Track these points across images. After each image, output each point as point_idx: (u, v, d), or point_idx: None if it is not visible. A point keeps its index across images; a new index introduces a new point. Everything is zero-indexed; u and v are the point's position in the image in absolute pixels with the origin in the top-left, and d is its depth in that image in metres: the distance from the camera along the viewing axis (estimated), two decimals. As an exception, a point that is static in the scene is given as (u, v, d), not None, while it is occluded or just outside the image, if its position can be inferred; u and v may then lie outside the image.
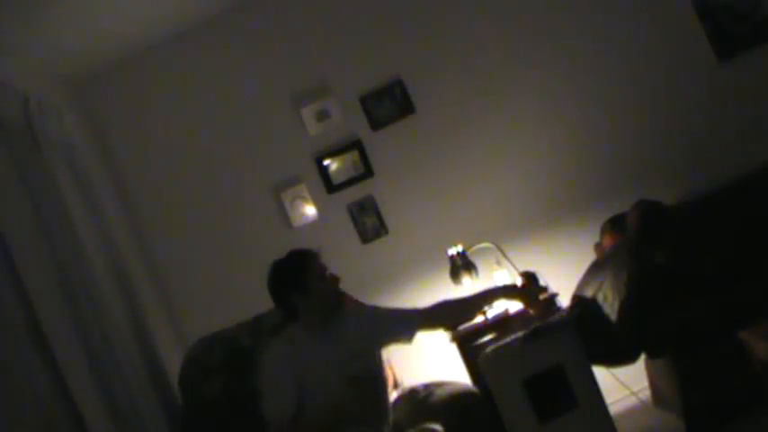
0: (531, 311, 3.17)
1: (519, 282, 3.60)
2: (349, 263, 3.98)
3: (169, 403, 3.37)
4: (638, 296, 3.05)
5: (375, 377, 2.88)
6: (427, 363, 3.84)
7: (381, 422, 2.87)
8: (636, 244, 3.26)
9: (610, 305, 3.11)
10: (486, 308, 3.37)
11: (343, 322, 2.92)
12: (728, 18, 3.93)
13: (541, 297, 3.35)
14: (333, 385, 2.76)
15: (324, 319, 2.89)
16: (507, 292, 3.24)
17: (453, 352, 3.64)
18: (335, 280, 2.90)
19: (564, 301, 3.56)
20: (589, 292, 3.28)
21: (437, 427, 2.82)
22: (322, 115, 4.05)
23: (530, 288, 3.22)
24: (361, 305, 3.19)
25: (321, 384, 2.77)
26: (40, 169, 3.12)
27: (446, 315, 3.14)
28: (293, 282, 2.85)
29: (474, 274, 3.70)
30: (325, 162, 4.06)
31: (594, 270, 3.42)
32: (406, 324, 3.02)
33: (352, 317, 2.97)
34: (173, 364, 3.53)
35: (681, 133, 3.95)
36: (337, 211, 4.06)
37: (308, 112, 4.05)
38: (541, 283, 3.64)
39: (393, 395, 3.30)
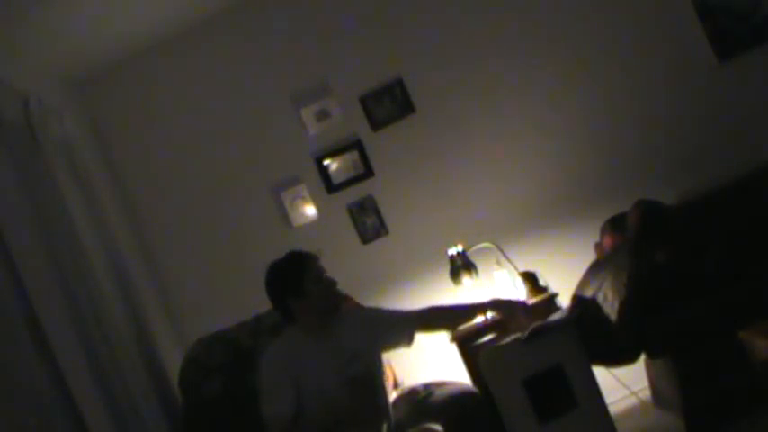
0: (514, 326, 3.08)
1: (520, 281, 3.62)
2: (349, 263, 3.99)
3: (169, 403, 3.37)
4: (639, 296, 3.05)
5: (372, 378, 2.87)
6: (427, 363, 3.84)
7: (380, 423, 2.86)
8: (636, 244, 3.26)
9: (610, 305, 3.11)
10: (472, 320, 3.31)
11: (342, 324, 2.92)
12: (728, 18, 3.93)
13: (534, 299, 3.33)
14: (330, 386, 2.76)
15: (321, 321, 2.88)
16: (493, 306, 3.10)
17: (453, 352, 3.64)
18: (332, 284, 2.89)
19: (564, 301, 3.56)
20: (589, 292, 3.28)
21: (437, 427, 2.82)
22: (322, 115, 4.05)
23: (512, 302, 3.12)
24: (361, 307, 3.19)
25: (318, 385, 2.78)
26: (40, 169, 3.12)
27: (440, 319, 3.14)
28: (290, 284, 2.84)
29: (474, 274, 3.70)
30: (325, 162, 4.06)
31: (594, 270, 3.42)
32: (406, 326, 3.01)
33: (350, 318, 2.97)
34: (173, 363, 3.53)
35: (681, 133, 3.95)
36: (337, 211, 4.06)
37: (307, 112, 4.05)
38: (541, 283, 3.65)
39: (393, 395, 3.30)
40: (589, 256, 3.65)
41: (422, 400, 3.14)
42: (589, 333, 3.08)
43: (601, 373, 3.18)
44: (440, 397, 3.10)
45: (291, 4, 4.12)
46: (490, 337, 3.42)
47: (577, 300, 3.35)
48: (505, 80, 4.03)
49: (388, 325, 3.00)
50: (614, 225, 3.60)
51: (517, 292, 3.66)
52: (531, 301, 3.49)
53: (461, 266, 3.70)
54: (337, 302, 2.92)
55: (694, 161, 3.90)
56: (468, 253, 3.75)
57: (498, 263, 3.74)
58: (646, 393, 3.56)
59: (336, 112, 4.05)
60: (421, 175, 4.04)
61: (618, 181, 3.93)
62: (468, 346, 3.51)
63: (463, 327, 3.51)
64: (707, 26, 3.93)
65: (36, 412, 2.48)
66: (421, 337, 3.94)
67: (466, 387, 3.25)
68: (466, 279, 3.69)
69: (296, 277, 2.83)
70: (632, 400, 3.56)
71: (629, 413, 3.57)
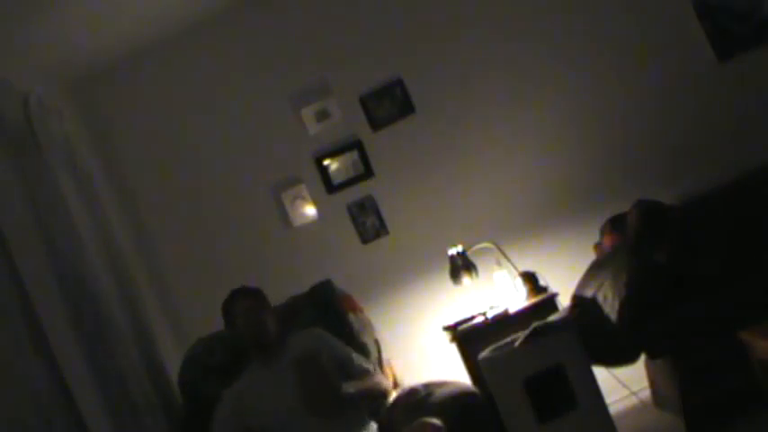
0: None
1: (520, 281, 3.62)
2: (349, 263, 4.00)
3: (169, 403, 3.37)
4: (638, 296, 3.05)
5: (319, 359, 2.96)
6: (427, 363, 3.84)
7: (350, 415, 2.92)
8: (636, 244, 3.26)
9: (610, 305, 3.11)
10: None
11: (291, 347, 3.04)
12: (728, 18, 3.93)
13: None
14: (283, 404, 2.89)
15: (260, 353, 3.03)
16: None
17: (453, 352, 3.64)
18: (255, 321, 3.00)
19: (564, 301, 3.56)
20: (589, 292, 3.28)
21: (436, 421, 2.82)
22: (322, 115, 4.05)
23: None
24: (333, 340, 3.19)
25: (274, 409, 2.90)
26: (40, 169, 3.12)
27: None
28: (224, 318, 3.09)
29: (474, 274, 3.70)
30: (325, 162, 4.06)
31: (594, 270, 3.42)
32: (360, 368, 3.06)
33: (302, 338, 3.07)
34: (173, 363, 3.53)
35: (681, 133, 3.95)
36: (337, 211, 4.06)
37: (308, 112, 4.05)
38: (541, 283, 3.65)
39: (393, 395, 3.29)
40: (589, 256, 3.65)
41: (421, 400, 3.14)
42: (589, 333, 3.08)
43: (601, 373, 3.18)
44: (440, 396, 3.10)
45: (291, 5, 4.12)
46: (490, 337, 3.40)
47: (577, 300, 3.35)
48: (505, 80, 4.03)
49: (346, 356, 3.05)
50: (614, 225, 3.60)
51: (517, 292, 3.66)
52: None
53: (461, 266, 3.70)
54: (263, 339, 3.02)
55: (694, 161, 3.90)
56: (468, 253, 3.75)
57: (498, 263, 3.74)
58: (646, 393, 3.56)
59: (336, 112, 4.05)
60: (421, 175, 4.04)
61: (618, 181, 3.93)
62: (468, 346, 3.51)
63: (463, 326, 3.55)
64: (707, 26, 3.93)
65: (36, 412, 2.48)
66: (420, 337, 3.96)
67: (466, 386, 3.25)
68: (466, 279, 3.69)
69: (225, 312, 3.08)
70: (632, 400, 3.56)
71: (629, 413, 3.57)
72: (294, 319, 3.34)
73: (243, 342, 3.08)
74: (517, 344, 3.06)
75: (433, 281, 3.91)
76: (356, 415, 2.95)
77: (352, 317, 3.35)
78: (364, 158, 4.05)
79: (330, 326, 3.27)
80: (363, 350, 3.24)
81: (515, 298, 3.63)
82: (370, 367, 3.10)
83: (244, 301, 3.06)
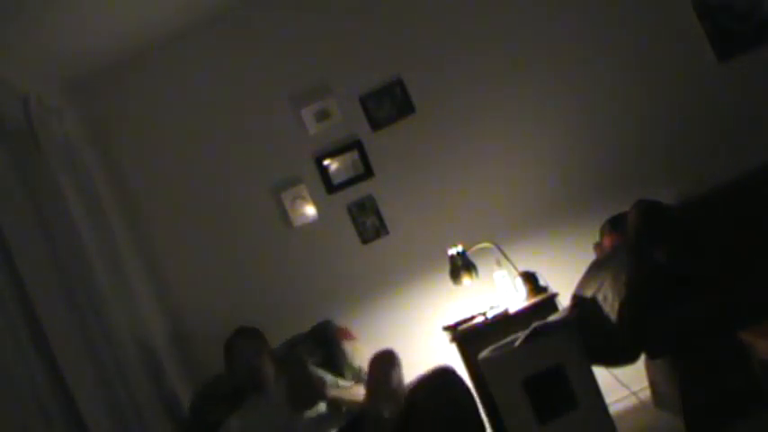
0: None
1: (520, 281, 3.62)
2: (349, 263, 4.00)
3: (170, 402, 3.38)
4: (638, 296, 3.04)
5: (305, 361, 3.20)
6: (427, 363, 3.83)
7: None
8: (636, 244, 3.26)
9: (610, 305, 3.11)
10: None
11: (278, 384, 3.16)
12: (728, 18, 3.93)
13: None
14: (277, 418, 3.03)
15: (256, 390, 3.17)
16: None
17: (453, 352, 3.64)
18: (252, 368, 3.18)
19: (564, 301, 3.56)
20: (589, 292, 3.28)
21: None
22: (322, 115, 4.05)
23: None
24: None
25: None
26: (40, 169, 3.12)
27: None
28: (225, 355, 3.27)
29: (474, 274, 3.70)
30: (325, 162, 4.06)
31: (594, 270, 3.42)
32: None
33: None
34: (172, 363, 3.53)
35: (680, 133, 3.95)
36: (337, 211, 4.06)
37: (307, 112, 4.05)
38: (541, 283, 3.65)
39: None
40: (589, 256, 3.65)
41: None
42: (589, 333, 3.08)
43: (601, 373, 3.18)
44: (418, 378, 3.14)
45: (291, 5, 4.12)
46: (490, 337, 3.41)
47: (577, 300, 3.35)
48: (505, 80, 4.03)
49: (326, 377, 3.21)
50: (614, 225, 3.60)
51: (517, 292, 3.67)
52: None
53: (461, 266, 3.71)
54: (258, 381, 3.18)
55: (694, 161, 3.90)
56: (468, 253, 3.75)
57: (498, 263, 3.74)
58: (646, 393, 3.56)
59: (336, 112, 4.05)
60: (421, 175, 4.04)
61: (618, 181, 3.93)
62: (467, 347, 3.51)
63: (463, 327, 3.55)
64: (707, 26, 3.93)
65: (36, 412, 2.48)
66: (420, 337, 3.96)
67: (440, 365, 3.26)
68: (466, 279, 3.70)
69: (226, 351, 3.26)
70: (632, 400, 3.56)
71: (629, 413, 3.57)
72: (294, 348, 3.51)
73: (240, 381, 3.23)
74: (517, 344, 3.06)
75: (433, 281, 3.92)
76: (334, 416, 3.02)
77: (346, 345, 3.50)
78: (364, 158, 4.05)
79: (327, 353, 3.49)
80: (360, 372, 3.39)
81: (515, 298, 3.63)
82: (350, 384, 3.25)
83: (244, 343, 3.24)
